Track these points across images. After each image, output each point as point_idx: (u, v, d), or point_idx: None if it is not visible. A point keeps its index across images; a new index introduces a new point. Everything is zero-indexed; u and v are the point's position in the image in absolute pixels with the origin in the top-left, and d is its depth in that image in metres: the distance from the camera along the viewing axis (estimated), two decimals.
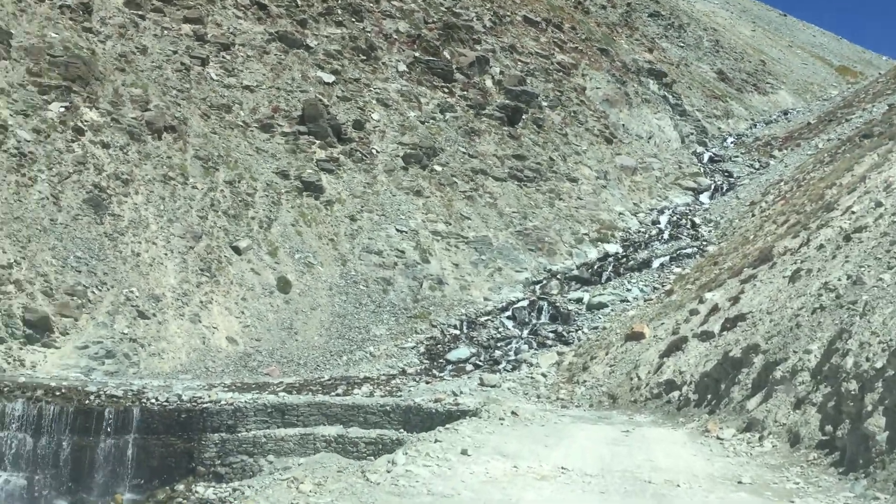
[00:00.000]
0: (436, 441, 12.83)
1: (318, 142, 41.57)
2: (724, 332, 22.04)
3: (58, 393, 22.21)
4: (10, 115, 31.65)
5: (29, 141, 31.23)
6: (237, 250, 33.91)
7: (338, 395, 25.91)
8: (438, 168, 44.29)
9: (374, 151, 43.02)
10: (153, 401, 22.77)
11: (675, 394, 21.45)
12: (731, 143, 68.27)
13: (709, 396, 19.85)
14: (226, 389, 25.57)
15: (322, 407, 22.94)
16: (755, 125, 74.43)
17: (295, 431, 22.69)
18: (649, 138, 60.97)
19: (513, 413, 19.48)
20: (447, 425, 15.59)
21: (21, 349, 25.84)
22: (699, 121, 71.47)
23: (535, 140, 50.91)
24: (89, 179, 31.68)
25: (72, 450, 21.68)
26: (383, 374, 29.81)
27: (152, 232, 31.93)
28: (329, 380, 28.51)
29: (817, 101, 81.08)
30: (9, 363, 25.25)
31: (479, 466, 11.25)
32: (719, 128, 72.58)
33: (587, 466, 11.82)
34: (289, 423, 22.92)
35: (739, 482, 11.47)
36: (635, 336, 25.97)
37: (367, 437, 22.14)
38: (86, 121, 33.65)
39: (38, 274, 27.48)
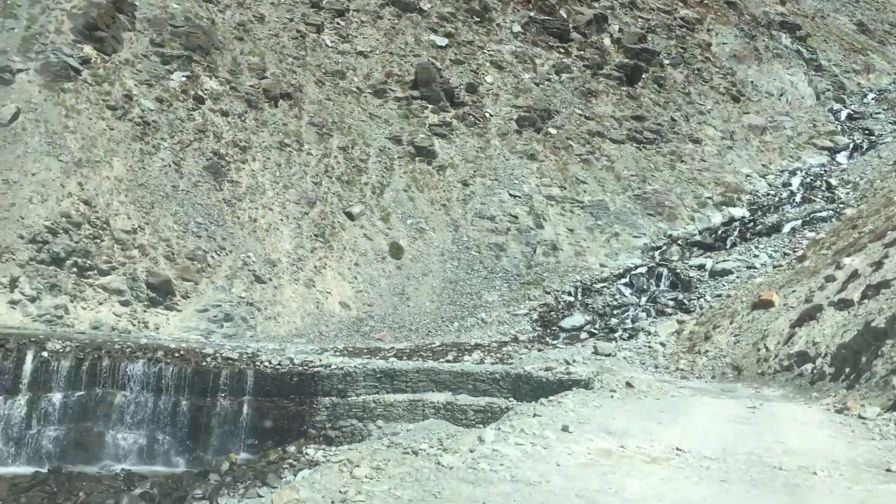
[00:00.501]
0: (534, 415, 11.86)
1: (430, 106, 40.95)
2: (865, 301, 20.09)
3: (177, 355, 22.65)
4: (135, 84, 32.47)
5: (152, 110, 31.99)
6: (350, 216, 33.85)
7: (447, 361, 25.43)
8: (553, 131, 42.91)
9: (487, 115, 42.05)
10: (266, 364, 22.90)
11: (808, 366, 19.74)
12: (872, 99, 63.29)
13: (847, 370, 18.11)
14: (338, 354, 25.55)
15: (431, 373, 22.48)
16: None
17: (404, 397, 22.34)
18: (780, 95, 57.25)
19: (627, 384, 18.37)
20: (550, 398, 14.61)
21: (145, 311, 26.59)
22: (836, 76, 66.70)
23: (656, 100, 48.57)
24: (209, 147, 32.21)
25: (189, 410, 22.08)
26: (495, 341, 29.14)
27: (269, 198, 32.23)
28: (440, 346, 28.08)
29: None
30: (133, 325, 26.02)
31: (579, 446, 10.16)
32: (858, 83, 67.44)
33: (706, 448, 10.59)
34: (398, 389, 22.60)
35: (888, 470, 10.02)
36: (763, 304, 24.18)
37: (476, 405, 21.53)
38: (206, 89, 34.19)
39: (161, 239, 28.17)
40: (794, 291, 24.73)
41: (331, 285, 30.73)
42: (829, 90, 63.29)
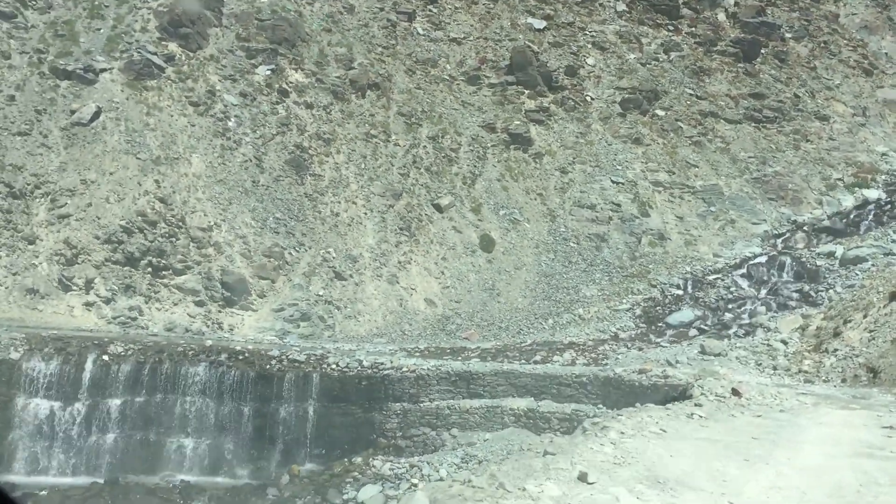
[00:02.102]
0: (545, 454, 8.76)
1: (527, 91, 38.07)
2: None
3: (240, 357, 20.90)
4: (219, 80, 31.29)
5: (235, 105, 30.70)
6: (438, 208, 31.49)
7: (536, 362, 22.63)
8: (661, 113, 39.10)
9: (588, 99, 38.75)
10: (334, 366, 20.81)
11: None
12: None
13: None
14: (417, 354, 23.22)
15: (510, 376, 19.77)
16: None
17: (481, 403, 19.73)
18: None
19: (733, 391, 15.07)
20: (595, 420, 11.76)
21: (220, 312, 25.14)
22: None
23: (777, 76, 43.73)
24: (292, 140, 30.62)
25: (253, 416, 20.27)
26: (591, 340, 26.05)
27: (352, 191, 30.32)
28: (530, 345, 25.28)
29: None
30: (207, 326, 24.60)
31: None
32: None
33: None
34: (474, 394, 20.00)
35: None
36: None
37: (561, 413, 18.66)
38: (290, 82, 32.68)
39: (238, 236, 26.70)
40: None
41: (416, 281, 28.47)
42: None
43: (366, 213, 29.75)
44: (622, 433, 9.99)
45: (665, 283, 30.54)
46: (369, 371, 20.61)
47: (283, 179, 29.19)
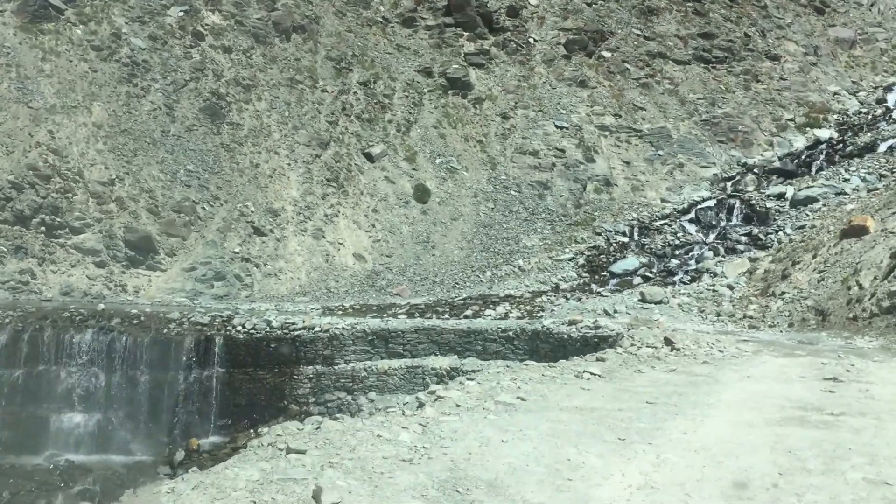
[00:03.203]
0: (289, 450, 6.05)
1: (466, 34, 35.60)
2: None
3: (135, 322, 18.58)
4: (126, 22, 28.36)
5: (144, 49, 27.85)
6: (370, 157, 29.14)
7: (466, 317, 20.63)
8: (607, 54, 36.91)
9: (531, 40, 36.39)
10: (239, 328, 18.60)
11: None
12: None
13: None
14: (340, 313, 21.10)
15: (432, 333, 17.73)
16: None
17: (401, 363, 17.71)
18: (871, 5, 49.14)
19: (666, 341, 13.19)
20: (432, 389, 9.80)
21: (123, 273, 22.70)
22: None
23: (727, 15, 41.69)
24: (207, 87, 27.92)
25: (149, 386, 18.03)
26: (531, 291, 24.13)
27: (275, 140, 27.80)
28: (463, 299, 23.28)
29: None
30: (110, 289, 22.18)
31: None
32: None
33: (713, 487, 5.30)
34: (394, 354, 17.95)
35: None
36: (855, 231, 18.38)
37: (486, 371, 16.64)
38: (206, 24, 29.84)
39: (143, 190, 24.14)
40: (894, 213, 18.81)
41: (344, 235, 26.22)
42: None
43: (289, 164, 27.30)
44: (456, 406, 7.92)
45: (610, 231, 28.69)
46: (279, 332, 18.42)
47: (196, 129, 26.58)
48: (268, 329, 18.49)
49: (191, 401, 18.10)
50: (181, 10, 29.72)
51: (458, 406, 7.93)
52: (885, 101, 38.41)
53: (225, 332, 18.48)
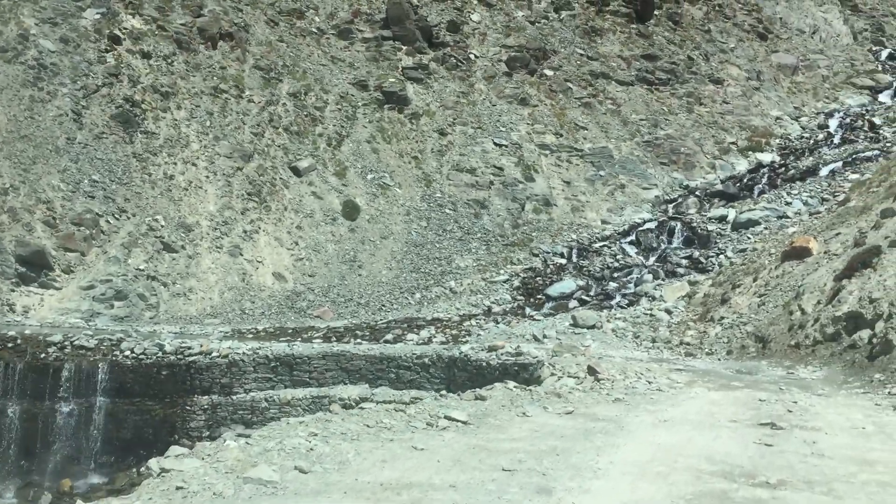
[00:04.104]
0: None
1: (404, 48, 34.08)
2: None
3: (9, 345, 16.38)
4: (36, 23, 26.19)
5: (53, 52, 25.70)
6: (296, 171, 27.28)
7: (386, 341, 18.85)
8: (549, 73, 35.74)
9: (471, 56, 35.03)
10: (127, 353, 16.51)
11: (864, 334, 12.74)
12: None
13: None
14: (250, 336, 19.15)
15: (342, 360, 15.89)
16: None
17: (305, 393, 15.81)
18: (813, 33, 49.15)
19: (589, 370, 11.58)
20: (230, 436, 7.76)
21: (12, 291, 20.40)
22: (874, 17, 58.35)
23: (671, 38, 40.97)
24: (121, 93, 25.84)
25: (21, 418, 15.81)
26: (461, 314, 22.46)
27: (193, 151, 25.79)
28: (387, 322, 21.50)
29: None
30: None
31: None
32: None
33: None
34: (299, 382, 16.05)
35: None
36: (797, 253, 17.12)
37: (399, 401, 14.85)
38: (125, 28, 27.79)
39: (41, 201, 21.92)
40: (837, 235, 17.60)
41: (263, 253, 24.26)
42: (866, 30, 55.13)
43: (208, 177, 25.31)
44: (177, 488, 6.02)
45: (548, 252, 27.22)
46: (172, 358, 16.38)
47: (106, 137, 24.46)
48: (159, 354, 16.45)
49: (68, 435, 15.91)
50: (98, 13, 27.65)
51: (179, 488, 5.83)
52: (827, 126, 37.97)
53: (111, 358, 16.36)
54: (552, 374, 11.97)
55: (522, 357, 13.65)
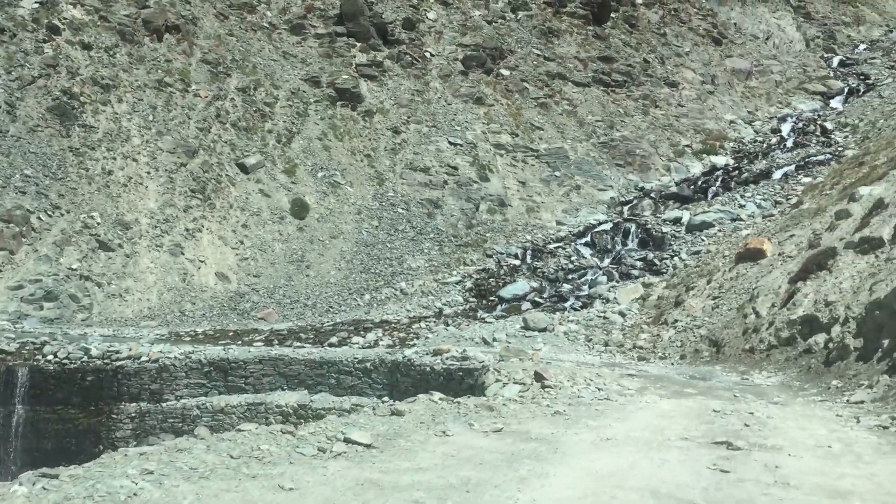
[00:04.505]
0: None
1: (358, 44, 33.20)
2: None
3: None
4: None
5: None
6: (243, 168, 26.24)
7: (331, 345, 17.97)
8: (506, 72, 35.15)
9: (427, 54, 34.28)
10: (50, 358, 15.39)
11: (820, 338, 12.24)
12: (864, 49, 55.46)
13: (885, 342, 10.63)
14: (187, 339, 18.11)
15: (279, 364, 14.96)
16: (892, 31, 60.87)
17: (240, 399, 14.86)
18: (767, 39, 49.47)
19: (536, 376, 10.87)
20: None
21: None
22: (825, 26, 59.17)
23: (627, 41, 40.69)
24: (58, 85, 24.55)
25: None
26: (411, 316, 21.66)
27: (134, 146, 24.61)
28: (334, 325, 20.60)
29: None
30: None
31: None
32: (849, 35, 59.55)
33: None
34: (234, 388, 15.09)
35: None
36: (751, 255, 16.64)
37: (340, 408, 14.02)
38: (65, 18, 26.48)
39: None
40: (791, 237, 17.17)
41: (206, 252, 23.19)
42: (818, 37, 55.83)
43: (149, 173, 24.15)
44: None
45: (502, 253, 26.55)
46: (98, 362, 15.30)
47: (41, 130, 23.18)
48: (85, 358, 15.35)
49: None
50: (36, 2, 26.30)
51: None
52: (780, 130, 38.02)
53: (32, 363, 15.23)
54: (497, 381, 11.23)
55: (468, 362, 12.89)
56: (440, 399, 8.78)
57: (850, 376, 10.43)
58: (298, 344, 17.96)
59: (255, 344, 17.97)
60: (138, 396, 15.15)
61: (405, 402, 8.82)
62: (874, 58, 50.59)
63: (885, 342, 10.44)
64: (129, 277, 21.40)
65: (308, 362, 14.84)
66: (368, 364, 14.42)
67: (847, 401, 9.31)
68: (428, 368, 13.32)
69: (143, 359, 15.24)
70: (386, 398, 13.80)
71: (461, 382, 12.42)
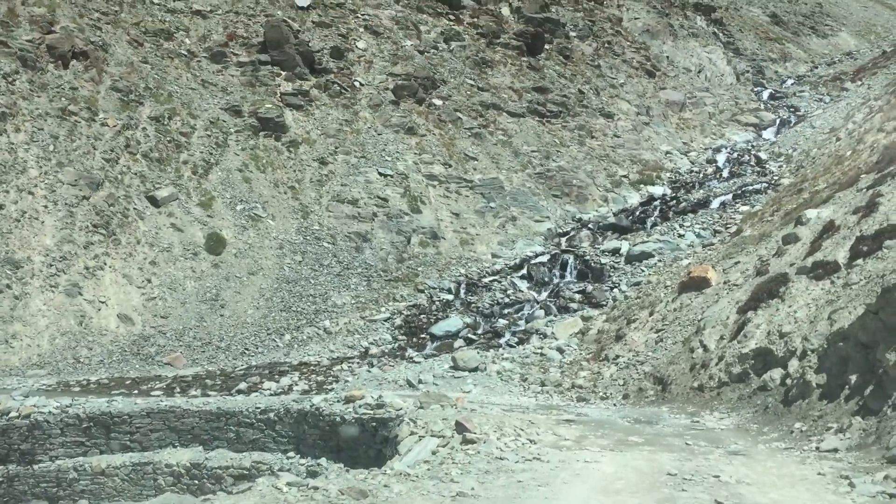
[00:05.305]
0: None
1: (283, 73, 31.56)
2: (860, 260, 11.35)
3: None
4: None
5: None
6: (154, 201, 24.16)
7: (240, 391, 15.99)
8: (438, 102, 33.89)
9: (356, 84, 32.83)
10: None
11: (777, 373, 10.85)
12: (792, 83, 56.31)
13: (852, 378, 9.23)
14: (77, 389, 15.91)
15: (170, 417, 12.94)
16: (816, 66, 62.13)
17: (125, 459, 12.79)
18: (699, 72, 49.64)
19: (457, 426, 9.18)
20: None
21: None
22: (754, 60, 60.22)
23: (561, 72, 40.00)
24: None
25: None
26: (334, 357, 19.78)
27: (30, 178, 22.37)
28: (245, 369, 18.59)
29: (884, 43, 68.01)
30: None
31: None
32: (776, 71, 60.55)
33: None
34: (118, 446, 13.00)
35: None
36: (695, 283, 15.36)
37: (239, 467, 12.06)
38: None
39: None
40: (736, 264, 15.93)
41: (108, 292, 20.98)
42: (748, 72, 56.67)
43: (46, 206, 21.92)
44: None
45: (434, 288, 24.95)
46: None
47: None
48: None
49: None
50: None
51: None
52: (715, 161, 37.64)
53: None
54: (412, 433, 9.50)
55: (383, 410, 11.12)
56: (287, 486, 6.81)
57: (814, 418, 9.01)
58: (204, 391, 15.91)
59: (154, 393, 15.86)
60: (6, 458, 12.93)
61: (236, 492, 6.90)
62: (803, 91, 51.22)
63: (853, 378, 9.06)
64: (17, 321, 19.06)
65: (203, 414, 12.86)
66: (272, 414, 12.50)
67: (817, 448, 7.85)
68: (338, 418, 11.49)
69: (12, 415, 13.05)
70: (291, 454, 11.89)
71: (374, 434, 10.65)
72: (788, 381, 10.36)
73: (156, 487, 12.48)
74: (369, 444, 10.80)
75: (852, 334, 9.75)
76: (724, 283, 14.93)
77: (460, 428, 9.30)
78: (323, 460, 11.34)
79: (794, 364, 10.52)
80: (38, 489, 12.84)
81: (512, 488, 6.29)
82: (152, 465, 12.60)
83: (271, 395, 15.34)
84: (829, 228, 13.32)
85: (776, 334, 11.30)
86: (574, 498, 5.95)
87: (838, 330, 10.03)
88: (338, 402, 12.01)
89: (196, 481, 12.37)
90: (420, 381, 15.30)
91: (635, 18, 50.23)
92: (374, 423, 10.94)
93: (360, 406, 11.53)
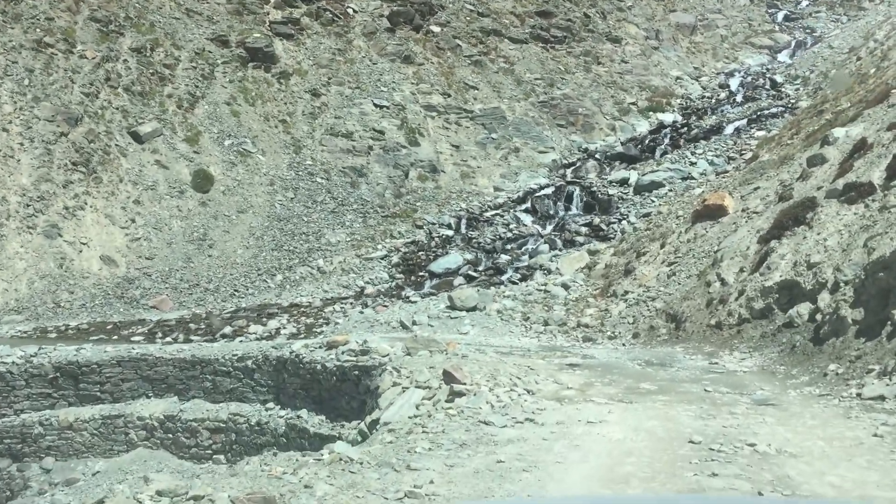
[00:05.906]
0: None
1: (272, 0, 29.77)
2: None
3: None
4: None
5: None
6: (137, 137, 22.82)
7: (224, 336, 14.94)
8: (436, 29, 32.05)
9: (349, 10, 30.99)
10: None
11: (804, 308, 9.61)
12: (807, 4, 53.61)
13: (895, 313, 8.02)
14: (53, 335, 14.91)
15: (142, 366, 11.91)
16: None
17: (94, 412, 11.82)
18: None
19: (445, 376, 8.06)
20: None
21: None
22: None
23: None
24: None
25: None
26: (327, 298, 18.70)
27: (4, 114, 21.02)
28: (232, 312, 17.54)
29: None
30: None
31: None
32: None
33: None
34: (86, 398, 12.03)
35: None
36: (710, 212, 14.05)
37: (216, 419, 11.08)
38: None
39: None
40: (755, 189, 14.57)
41: (90, 233, 19.84)
42: None
43: (22, 144, 20.62)
44: None
45: (434, 224, 23.72)
46: None
47: None
48: None
49: None
50: None
51: None
52: (728, 85, 35.82)
53: None
54: (395, 384, 8.39)
55: (367, 357, 10.01)
56: (156, 495, 5.26)
57: (851, 358, 7.82)
58: (188, 337, 14.89)
59: (133, 339, 14.85)
60: None
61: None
62: (819, 11, 48.76)
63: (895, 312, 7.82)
64: None
65: (177, 362, 11.84)
66: (250, 362, 11.45)
67: (858, 395, 6.67)
68: (319, 366, 10.40)
69: None
70: (271, 404, 10.86)
71: (357, 384, 9.56)
72: (819, 317, 9.16)
73: (127, 442, 11.56)
74: (352, 394, 9.76)
75: (894, 263, 8.50)
76: (743, 210, 13.62)
77: (448, 378, 8.19)
78: (304, 412, 10.35)
79: (824, 298, 9.30)
80: (1, 446, 11.93)
81: (485, 477, 5.01)
82: (123, 418, 11.65)
83: (256, 339, 14.31)
84: (861, 147, 11.93)
85: (804, 265, 10.06)
86: (566, 489, 4.69)
87: (877, 259, 8.78)
88: (319, 348, 10.92)
89: (170, 435, 11.43)
90: (414, 323, 14.21)
91: None
92: (356, 372, 9.86)
93: (343, 352, 10.44)
